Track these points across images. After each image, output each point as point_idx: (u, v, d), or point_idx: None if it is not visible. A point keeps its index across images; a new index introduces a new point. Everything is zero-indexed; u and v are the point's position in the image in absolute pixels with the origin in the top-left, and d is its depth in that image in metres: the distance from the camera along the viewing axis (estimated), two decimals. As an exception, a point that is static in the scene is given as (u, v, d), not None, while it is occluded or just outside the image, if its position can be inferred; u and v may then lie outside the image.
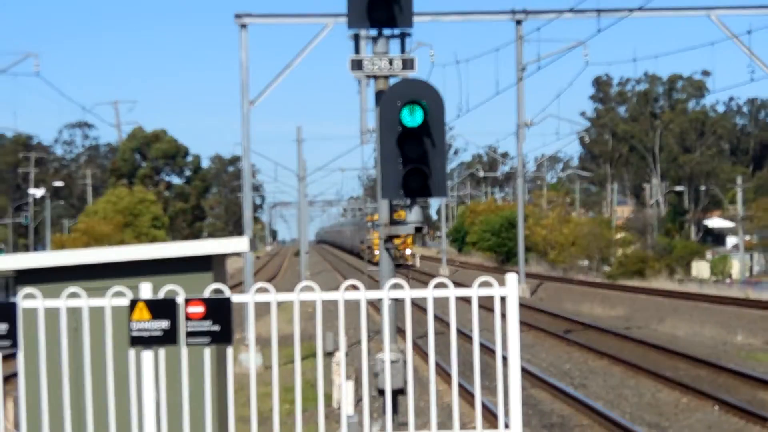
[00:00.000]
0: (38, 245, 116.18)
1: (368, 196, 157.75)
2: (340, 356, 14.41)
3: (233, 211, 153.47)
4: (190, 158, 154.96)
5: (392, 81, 14.94)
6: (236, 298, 12.71)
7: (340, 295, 12.81)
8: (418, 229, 16.31)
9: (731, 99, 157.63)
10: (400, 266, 75.20)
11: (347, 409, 14.78)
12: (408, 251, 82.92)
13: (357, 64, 14.88)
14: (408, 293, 13.12)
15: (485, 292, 12.77)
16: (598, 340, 47.64)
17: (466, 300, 12.52)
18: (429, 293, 12.93)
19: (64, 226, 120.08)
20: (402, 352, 13.42)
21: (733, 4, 42.83)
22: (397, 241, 79.45)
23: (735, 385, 32.56)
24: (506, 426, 12.53)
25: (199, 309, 12.42)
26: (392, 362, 13.52)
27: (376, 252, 66.63)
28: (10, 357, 12.65)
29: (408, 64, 15.04)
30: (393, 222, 15.75)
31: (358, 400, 13.89)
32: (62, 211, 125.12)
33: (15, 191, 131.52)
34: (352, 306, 12.75)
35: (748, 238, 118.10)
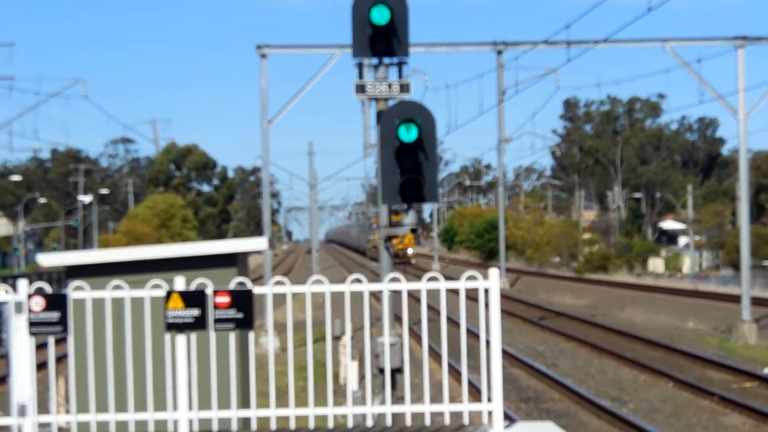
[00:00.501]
0: (86, 245, 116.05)
1: (370, 201, 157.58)
2: (346, 340, 14.42)
3: (254, 215, 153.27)
4: (217, 169, 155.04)
5: (391, 102, 14.96)
6: (257, 289, 12.73)
7: (346, 287, 12.83)
8: (413, 230, 16.41)
9: (683, 118, 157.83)
10: (400, 262, 74.52)
11: (352, 385, 14.75)
12: (410, 251, 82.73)
13: (360, 88, 14.87)
14: (404, 286, 13.16)
15: (471, 284, 12.81)
16: (567, 325, 47.62)
17: (455, 291, 12.55)
18: (423, 286, 12.97)
19: (109, 227, 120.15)
20: (399, 336, 13.43)
21: (685, 36, 42.79)
22: (395, 241, 79.37)
23: (686, 365, 32.57)
24: (489, 400, 12.52)
25: (225, 299, 12.46)
26: (391, 345, 13.53)
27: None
28: (61, 341, 12.66)
29: (404, 88, 15.04)
30: (392, 224, 15.77)
31: (362, 378, 13.91)
32: (107, 215, 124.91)
33: (66, 198, 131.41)
34: (357, 296, 12.75)
35: (697, 238, 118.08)
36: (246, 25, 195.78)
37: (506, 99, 59.18)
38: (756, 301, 44.66)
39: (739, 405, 24.29)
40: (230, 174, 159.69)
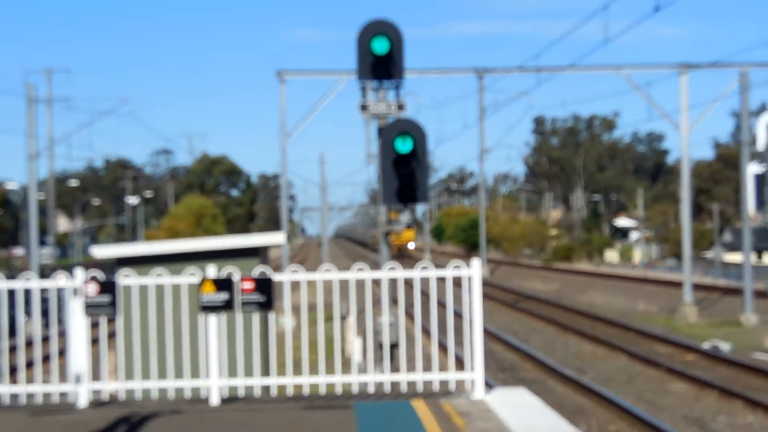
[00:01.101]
0: (133, 239, 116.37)
1: (372, 202, 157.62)
2: (351, 320, 14.38)
3: (274, 214, 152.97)
4: (243, 176, 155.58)
5: (389, 119, 14.93)
6: (276, 277, 12.72)
7: (352, 275, 12.82)
8: (408, 227, 16.47)
9: (635, 132, 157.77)
10: (401, 255, 74.33)
11: (356, 357, 14.69)
12: (411, 245, 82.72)
13: (364, 107, 14.86)
14: (400, 274, 13.14)
15: (457, 273, 12.81)
16: (537, 307, 47.62)
17: (443, 279, 12.56)
18: (416, 274, 12.95)
19: (152, 225, 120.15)
20: (396, 317, 13.39)
21: (636, 63, 42.76)
22: (396, 236, 77.11)
23: (638, 340, 32.56)
24: (472, 369, 12.50)
25: (250, 285, 12.44)
26: (389, 324, 13.47)
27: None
28: (112, 320, 12.65)
29: (400, 107, 15.02)
30: (390, 221, 15.75)
31: (365, 352, 13.89)
32: (150, 215, 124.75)
33: (116, 200, 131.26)
34: (360, 283, 12.74)
35: (646, 233, 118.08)
36: (268, 51, 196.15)
37: (486, 116, 59.26)
38: (696, 287, 44.68)
39: (682, 374, 24.28)
40: (254, 180, 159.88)
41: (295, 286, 13.05)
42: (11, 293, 12.78)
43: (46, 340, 14.58)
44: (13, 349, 13.38)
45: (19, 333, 13.28)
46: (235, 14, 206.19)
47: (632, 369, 26.23)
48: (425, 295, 12.84)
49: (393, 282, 13.08)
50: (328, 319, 13.53)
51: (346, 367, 13.48)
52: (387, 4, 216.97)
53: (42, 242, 55.14)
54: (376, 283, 13.30)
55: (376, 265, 13.74)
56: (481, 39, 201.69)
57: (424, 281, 13.01)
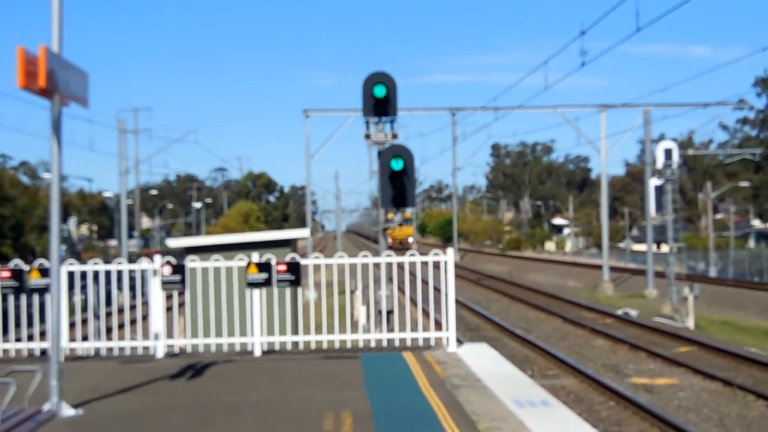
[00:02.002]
0: (197, 234, 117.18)
1: (374, 206, 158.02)
2: (358, 293, 14.39)
3: (301, 215, 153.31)
4: (278, 187, 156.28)
5: (386, 145, 14.93)
6: (303, 261, 12.76)
7: (358, 260, 12.84)
8: (400, 224, 16.54)
9: (567, 155, 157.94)
10: (402, 247, 74.10)
11: (362, 321, 14.67)
12: (410, 239, 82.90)
13: (367, 136, 14.86)
14: (394, 259, 13.18)
15: (435, 258, 12.85)
16: (495, 283, 47.68)
17: (426, 263, 12.60)
18: (405, 259, 12.98)
19: (211, 223, 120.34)
20: (391, 291, 13.37)
21: (568, 104, 42.94)
22: (398, 231, 75.11)
23: (569, 308, 32.60)
24: (447, 329, 12.52)
25: (283, 267, 12.47)
26: (387, 296, 13.44)
27: (389, 240, 67.08)
28: (181, 293, 12.65)
29: (394, 136, 15.02)
30: (387, 221, 15.76)
31: (368, 317, 13.94)
32: (210, 216, 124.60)
33: (184, 205, 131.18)
34: (365, 266, 12.76)
35: (575, 229, 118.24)
36: (298, 94, 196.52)
37: (457, 143, 59.26)
38: (612, 269, 44.79)
39: (601, 333, 24.34)
40: (286, 190, 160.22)
41: (317, 268, 13.09)
42: (107, 273, 12.81)
43: (132, 308, 14.58)
44: (108, 315, 13.37)
45: (113, 303, 13.30)
46: (274, 67, 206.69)
47: (565, 329, 26.30)
48: (413, 275, 12.89)
49: (389, 265, 13.11)
50: (341, 292, 13.57)
51: (354, 328, 13.47)
52: (385, 59, 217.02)
53: (130, 236, 55.08)
54: (377, 266, 13.34)
55: (376, 253, 13.73)
56: (454, 86, 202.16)
57: (412, 264, 13.05)
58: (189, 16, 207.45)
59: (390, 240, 68.76)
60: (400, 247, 77.28)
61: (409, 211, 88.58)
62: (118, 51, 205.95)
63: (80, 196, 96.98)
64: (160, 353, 12.60)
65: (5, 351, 12.57)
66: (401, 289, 13.26)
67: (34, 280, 12.15)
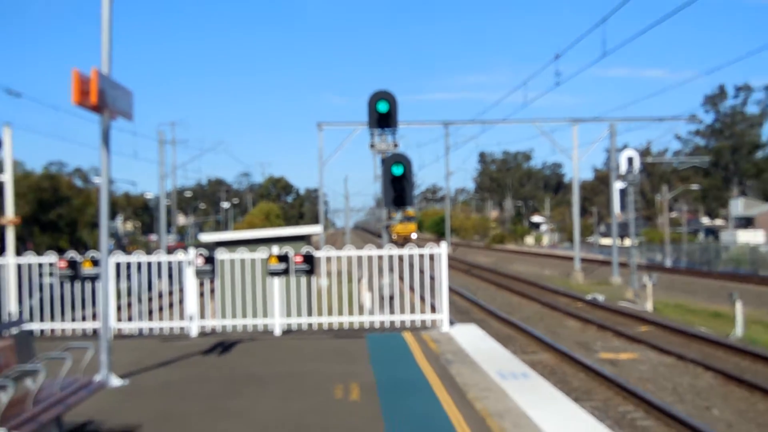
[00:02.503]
0: (225, 230, 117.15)
1: (377, 206, 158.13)
2: (364, 281, 14.38)
3: (315, 214, 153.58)
4: (294, 189, 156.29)
5: (388, 153, 14.91)
6: (316, 253, 12.74)
7: (364, 253, 12.83)
8: (404, 222, 16.64)
9: (544, 162, 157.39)
10: (405, 242, 72.77)
11: (367, 305, 14.66)
12: (413, 235, 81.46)
13: (372, 145, 14.83)
14: (395, 252, 13.15)
15: (431, 251, 12.81)
16: (482, 273, 47.57)
17: (422, 255, 12.59)
18: (405, 252, 12.95)
19: (237, 221, 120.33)
20: (392, 279, 13.36)
21: (545, 117, 42.91)
22: (402, 227, 70.89)
23: (546, 294, 32.54)
24: (441, 312, 12.52)
25: (299, 258, 12.45)
26: (388, 283, 13.43)
27: (394, 236, 65.64)
28: (212, 281, 12.65)
29: (395, 145, 14.99)
30: (389, 218, 15.74)
31: (372, 301, 13.96)
32: (236, 214, 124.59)
33: (214, 205, 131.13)
34: (369, 258, 12.75)
35: (551, 226, 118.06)
36: (313, 109, 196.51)
37: (450, 152, 59.20)
38: (582, 260, 44.67)
39: (573, 315, 24.29)
40: (302, 192, 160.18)
41: (328, 260, 13.07)
42: (149, 264, 12.81)
43: (170, 293, 14.57)
44: (149, 300, 13.38)
45: (153, 289, 13.30)
46: (293, 87, 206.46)
47: (543, 312, 26.26)
48: (411, 265, 12.86)
49: (390, 257, 13.10)
50: (349, 280, 13.56)
51: (361, 311, 13.46)
52: (387, 79, 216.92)
53: (168, 231, 54.98)
54: (380, 258, 13.32)
55: (380, 247, 13.72)
56: (447, 102, 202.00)
57: (410, 256, 13.03)
58: (222, 42, 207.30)
59: (395, 236, 67.92)
60: (404, 242, 74.03)
61: (412, 211, 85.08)
62: (159, 71, 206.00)
63: (125, 197, 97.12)
64: (194, 332, 12.60)
65: (63, 330, 12.60)
66: (401, 278, 13.24)
67: (87, 269, 12.17)
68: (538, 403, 7.51)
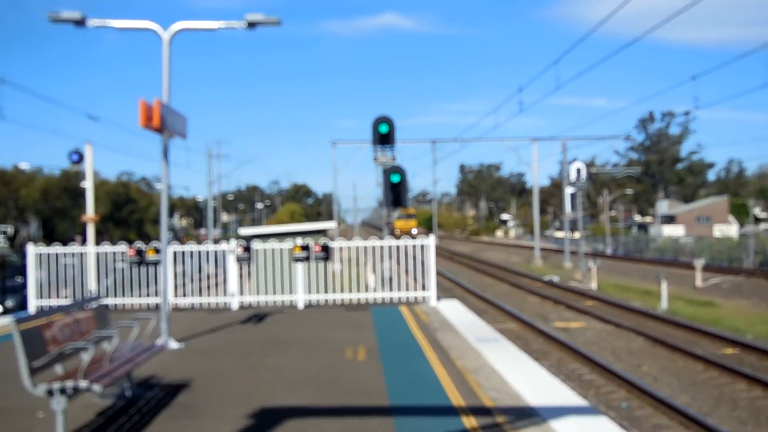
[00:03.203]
0: (259, 225, 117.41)
1: (379, 206, 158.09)
2: (369, 265, 14.37)
3: (330, 212, 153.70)
4: (314, 194, 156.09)
5: (388, 165, 14.89)
6: (331, 244, 12.71)
7: (369, 243, 12.81)
8: (405, 219, 16.57)
9: (510, 172, 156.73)
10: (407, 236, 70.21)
11: (371, 285, 14.65)
12: (414, 231, 78.75)
13: (375, 159, 14.81)
14: (393, 243, 13.12)
15: (421, 242, 12.78)
16: (461, 259, 47.44)
17: (415, 245, 12.55)
18: (401, 243, 12.92)
19: (269, 218, 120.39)
20: (391, 264, 13.35)
21: (511, 137, 43.06)
22: (403, 223, 66.20)
23: (512, 275, 32.48)
24: (429, 290, 12.51)
25: (318, 248, 12.43)
26: (388, 267, 13.42)
27: (397, 231, 63.56)
28: (249, 265, 12.63)
29: (393, 158, 14.98)
30: (389, 216, 15.76)
31: (376, 282, 13.96)
32: (268, 213, 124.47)
33: (251, 205, 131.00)
34: (373, 247, 12.73)
35: (516, 222, 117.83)
36: (329, 130, 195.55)
37: (436, 164, 59.13)
38: (541, 249, 44.61)
39: (534, 293, 24.24)
40: (320, 195, 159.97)
41: (341, 249, 13.07)
42: (199, 252, 12.81)
43: (216, 275, 14.59)
44: (200, 280, 13.37)
45: (202, 272, 13.30)
46: (314, 112, 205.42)
47: (510, 290, 26.22)
48: (406, 253, 12.84)
49: (389, 247, 13.08)
50: (357, 265, 13.54)
51: (366, 289, 13.45)
52: (387, 106, 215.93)
53: (214, 226, 54.90)
54: (381, 247, 13.31)
55: (381, 239, 13.71)
56: (434, 125, 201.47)
57: (406, 246, 13.01)
58: (258, 77, 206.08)
59: (398, 231, 66.89)
60: (403, 236, 73.41)
61: (413, 209, 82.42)
62: (208, 99, 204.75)
63: (180, 199, 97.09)
64: (235, 306, 12.61)
65: (132, 304, 12.61)
66: (398, 263, 13.22)
67: (151, 256, 12.18)
68: (506, 362, 7.52)
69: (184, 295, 13.18)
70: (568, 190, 36.26)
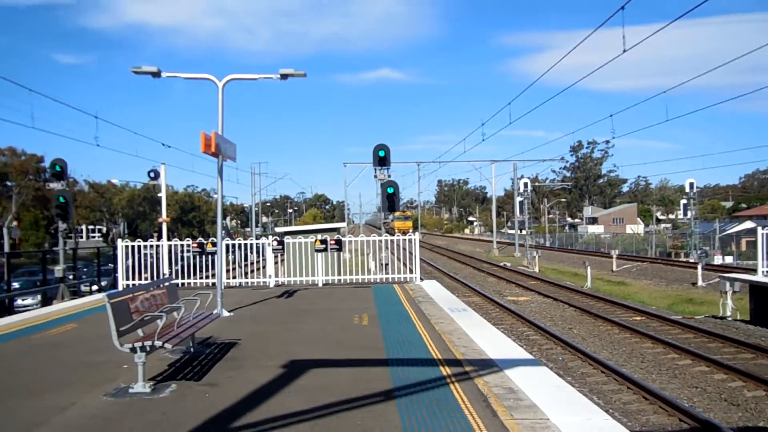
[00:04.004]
0: (290, 226, 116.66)
1: (378, 211, 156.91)
2: (371, 254, 14.29)
3: (342, 215, 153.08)
4: (330, 201, 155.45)
5: (385, 180, 14.83)
6: (343, 239, 12.63)
7: (371, 238, 12.73)
8: (404, 221, 16.42)
9: (474, 185, 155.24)
10: (404, 235, 67.21)
11: (373, 269, 14.55)
12: (410, 230, 76.06)
13: (375, 176, 14.75)
14: (389, 238, 13.04)
15: (410, 237, 12.69)
16: (439, 250, 47.36)
17: (405, 239, 12.45)
18: (395, 238, 12.84)
19: (296, 220, 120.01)
20: (387, 254, 13.28)
21: (476, 159, 43.25)
22: (401, 224, 61.70)
23: (476, 262, 32.40)
24: (415, 273, 12.45)
25: (333, 242, 12.34)
26: (385, 256, 13.34)
27: (396, 230, 62.08)
28: (282, 255, 12.54)
29: (389, 176, 14.92)
30: (385, 218, 15.68)
31: (376, 266, 13.90)
32: (296, 216, 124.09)
33: (284, 210, 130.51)
34: (374, 241, 12.64)
35: (479, 223, 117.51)
36: (339, 156, 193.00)
37: (420, 180, 59.07)
38: (498, 242, 44.50)
39: (492, 275, 24.17)
40: (334, 202, 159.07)
41: (350, 242, 13.00)
42: (246, 245, 12.73)
43: (257, 262, 14.50)
44: (245, 265, 13.30)
45: (248, 259, 13.23)
46: (330, 142, 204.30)
47: (474, 273, 26.14)
48: (398, 246, 12.79)
49: (386, 241, 13.02)
50: (362, 254, 13.49)
51: (368, 272, 13.37)
52: (385, 136, 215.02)
53: (256, 225, 54.76)
54: (380, 241, 13.24)
55: (380, 235, 13.61)
56: (419, 150, 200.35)
57: (398, 240, 12.95)
58: (291, 113, 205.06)
59: (397, 230, 65.90)
60: (403, 235, 69.65)
61: (409, 212, 79.63)
62: (251, 127, 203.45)
63: (231, 205, 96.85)
64: (271, 285, 12.53)
65: (195, 283, 12.54)
66: (393, 253, 13.13)
67: (209, 248, 12.13)
68: (472, 326, 7.50)
69: (234, 277, 13.13)
70: (518, 199, 36.27)
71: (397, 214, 65.99)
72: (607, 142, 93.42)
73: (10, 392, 4.83)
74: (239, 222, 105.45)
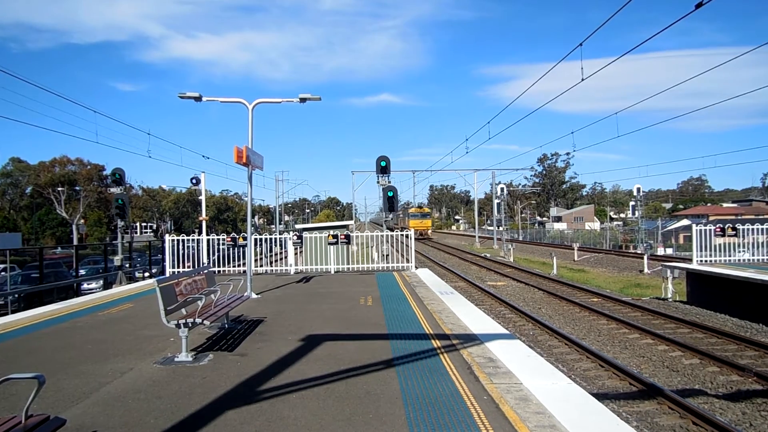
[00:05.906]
0: (308, 223, 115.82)
1: (381, 211, 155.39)
2: (374, 247, 14.25)
3: (351, 214, 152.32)
4: (342, 203, 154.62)
5: (386, 185, 14.77)
6: (351, 234, 12.56)
7: (376, 234, 12.66)
8: (420, 219, 16.23)
9: (460, 190, 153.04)
10: (421, 237, 49.01)
11: (376, 259, 14.50)
12: (429, 231, 60.04)
13: (378, 182, 14.70)
14: (391, 233, 12.97)
15: (407, 233, 12.59)
16: (432, 243, 47.19)
17: (402, 234, 12.36)
18: (396, 234, 12.78)
19: (312, 219, 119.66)
20: (388, 246, 13.22)
21: (461, 169, 42.94)
22: (418, 223, 51.80)
23: (461, 253, 32.23)
24: (411, 262, 12.41)
25: (343, 236, 12.28)
26: (386, 248, 13.27)
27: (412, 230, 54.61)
28: (301, 247, 12.50)
29: (389, 182, 14.88)
30: (387, 217, 15.61)
31: (379, 257, 13.85)
32: (312, 215, 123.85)
33: (302, 211, 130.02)
34: (378, 236, 12.58)
35: (464, 221, 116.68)
36: (348, 166, 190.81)
37: (415, 185, 58.68)
38: (480, 237, 44.33)
39: (476, 264, 24.04)
40: (345, 203, 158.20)
41: (357, 237, 12.95)
42: (271, 239, 12.67)
43: (280, 253, 14.46)
44: (270, 256, 13.26)
45: (272, 250, 13.18)
46: (341, 156, 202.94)
47: (460, 262, 26.03)
48: (397, 240, 12.74)
49: (387, 236, 12.97)
50: (367, 247, 13.45)
51: (372, 262, 13.32)
52: (386, 149, 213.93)
53: (279, 223, 54.69)
54: (382, 236, 13.19)
55: (382, 231, 13.54)
56: (414, 161, 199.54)
57: (398, 236, 12.86)
58: (310, 130, 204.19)
59: (415, 232, 58.99)
60: (421, 236, 50.10)
61: (427, 209, 69.82)
62: (276, 140, 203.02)
63: (259, 206, 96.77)
64: (292, 272, 12.49)
65: (229, 271, 12.53)
66: (392, 245, 13.05)
67: (240, 242, 12.11)
68: (458, 306, 7.47)
69: (261, 266, 13.08)
70: (496, 201, 36.17)
71: (412, 210, 58.21)
72: (569, 154, 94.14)
73: (83, 358, 4.94)
74: (265, 220, 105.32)
